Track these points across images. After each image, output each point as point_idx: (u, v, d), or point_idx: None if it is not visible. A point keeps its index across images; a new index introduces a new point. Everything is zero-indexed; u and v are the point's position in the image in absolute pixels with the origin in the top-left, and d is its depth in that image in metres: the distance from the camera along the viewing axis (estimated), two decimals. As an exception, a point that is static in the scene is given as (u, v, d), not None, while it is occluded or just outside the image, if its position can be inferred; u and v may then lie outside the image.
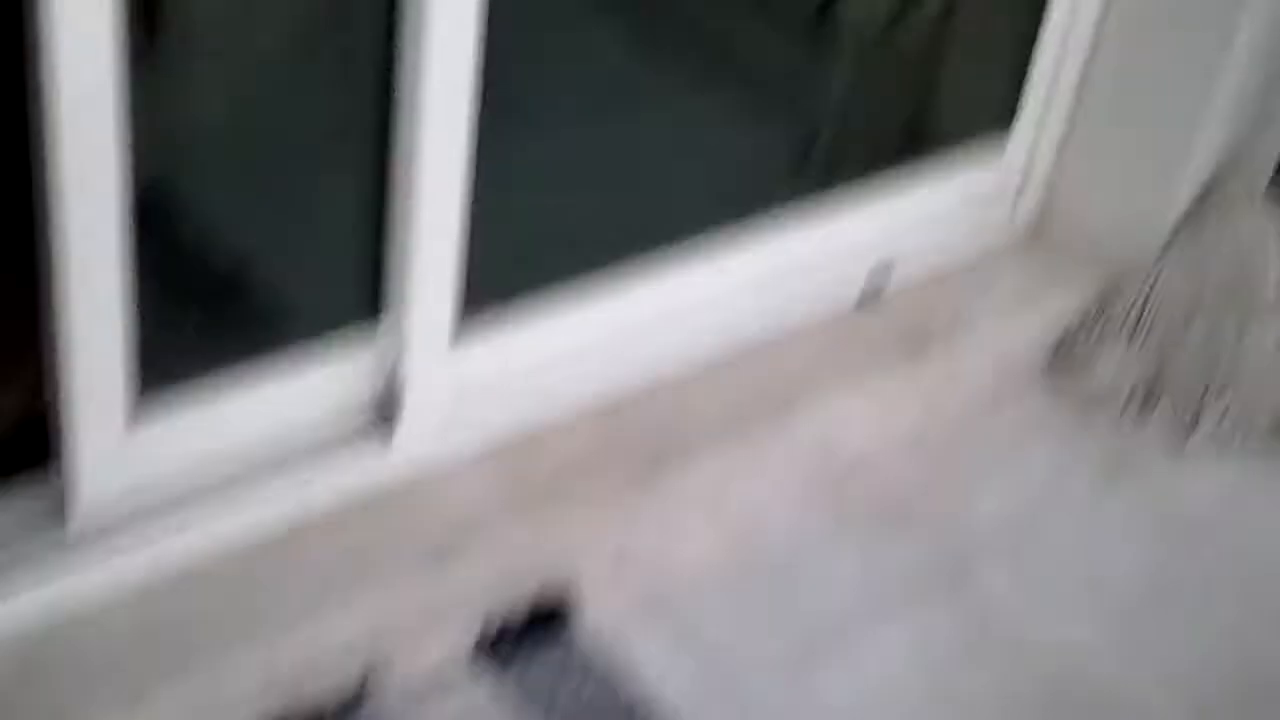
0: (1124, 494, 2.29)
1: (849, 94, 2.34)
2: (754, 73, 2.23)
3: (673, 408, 2.05)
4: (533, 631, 1.87)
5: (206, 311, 1.70)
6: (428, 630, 1.80)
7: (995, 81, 2.41)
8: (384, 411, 1.83)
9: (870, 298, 2.30)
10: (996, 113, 2.42)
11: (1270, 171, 2.42)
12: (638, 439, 2.00)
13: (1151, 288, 2.41)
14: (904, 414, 2.26)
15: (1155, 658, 2.03)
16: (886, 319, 2.29)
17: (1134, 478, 2.32)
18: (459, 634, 1.83)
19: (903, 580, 2.08)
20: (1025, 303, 2.41)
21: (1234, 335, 2.40)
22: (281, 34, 1.68)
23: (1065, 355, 2.44)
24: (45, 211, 1.47)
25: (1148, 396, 2.41)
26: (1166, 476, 2.34)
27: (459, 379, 1.87)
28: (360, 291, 1.78)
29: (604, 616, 1.93)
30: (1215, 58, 2.28)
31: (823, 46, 2.29)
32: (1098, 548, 2.20)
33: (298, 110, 1.71)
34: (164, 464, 1.67)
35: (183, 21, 1.58)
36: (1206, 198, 2.41)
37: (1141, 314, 2.41)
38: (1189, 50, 2.30)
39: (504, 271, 1.91)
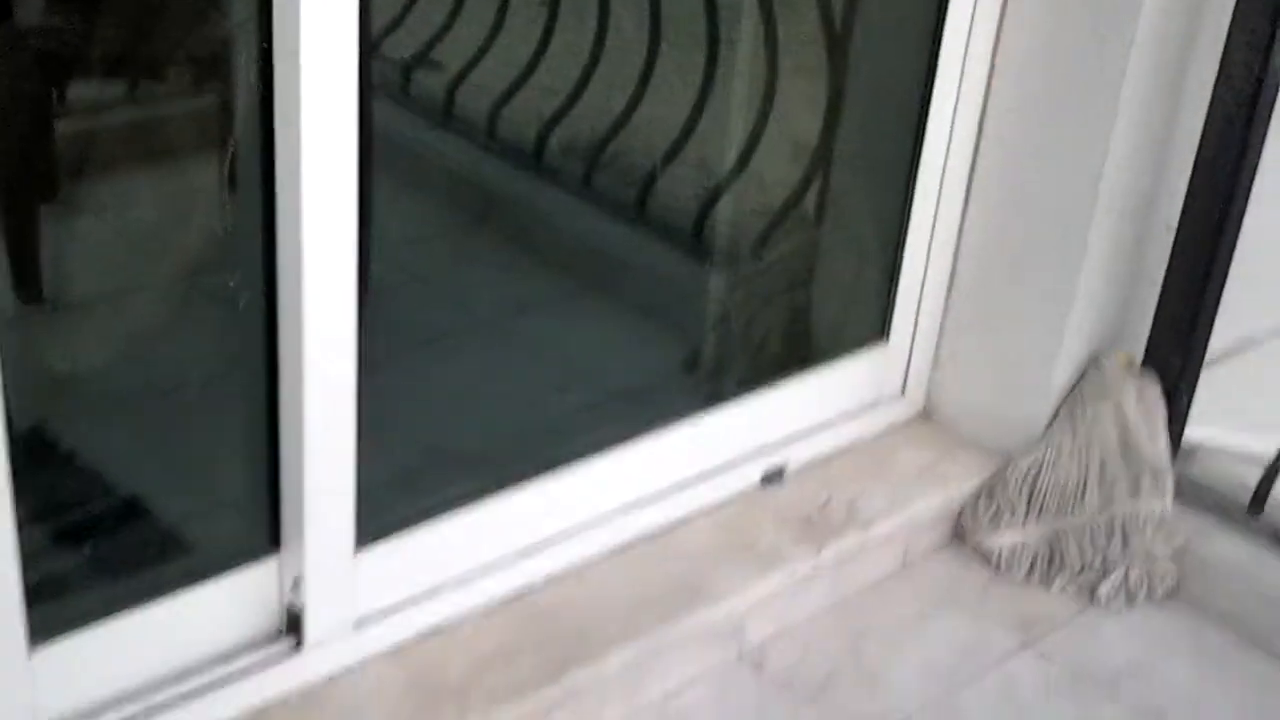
0: (1035, 655, 2.36)
1: (732, 304, 2.48)
2: (641, 286, 2.37)
3: (583, 598, 2.14)
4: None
5: (106, 547, 1.78)
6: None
7: (870, 281, 2.56)
8: (292, 624, 1.90)
9: (772, 480, 2.41)
10: (875, 309, 2.56)
11: (1144, 341, 2.55)
12: (549, 631, 2.07)
13: (1042, 461, 2.52)
14: (814, 590, 2.34)
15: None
16: (790, 500, 2.40)
17: (1044, 639, 2.39)
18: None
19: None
20: (923, 478, 2.51)
21: (1127, 498, 2.50)
22: (162, 284, 1.80)
23: (967, 526, 2.53)
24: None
25: (1051, 561, 2.50)
26: (1075, 636, 2.41)
27: (364, 584, 1.95)
28: (261, 511, 1.87)
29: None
30: (1077, 244, 2.43)
31: (703, 260, 2.44)
32: (1015, 707, 2.25)
33: (185, 354, 1.82)
34: (71, 691, 1.74)
35: (62, 284, 1.71)
36: (1087, 371, 2.54)
37: (1034, 486, 2.52)
38: (1053, 237, 2.45)
39: (405, 479, 2.01)
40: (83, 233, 1.73)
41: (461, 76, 2.28)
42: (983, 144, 2.50)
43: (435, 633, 2.03)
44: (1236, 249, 2.46)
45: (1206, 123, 2.39)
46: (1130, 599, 2.47)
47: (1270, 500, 2.48)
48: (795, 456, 2.46)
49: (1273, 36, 2.30)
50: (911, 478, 2.51)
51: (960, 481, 2.53)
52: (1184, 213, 2.44)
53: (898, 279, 2.53)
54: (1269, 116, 2.37)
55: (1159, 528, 2.49)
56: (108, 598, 1.76)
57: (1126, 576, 2.48)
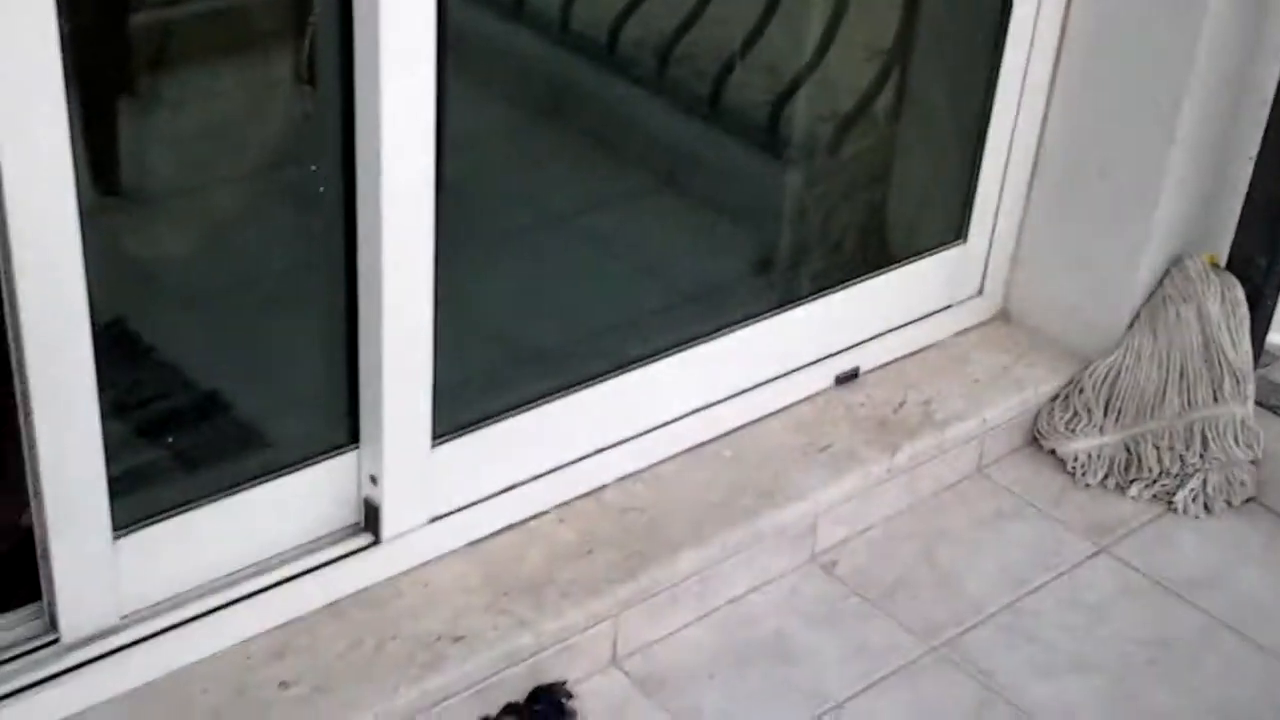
0: (1110, 560, 2.34)
1: (808, 202, 2.45)
2: (716, 184, 2.35)
3: (656, 498, 2.14)
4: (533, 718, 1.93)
5: (186, 439, 1.79)
6: (427, 725, 1.86)
7: (949, 179, 2.52)
8: (369, 518, 1.91)
9: (847, 381, 2.39)
10: (954, 208, 2.52)
11: (1229, 243, 2.50)
12: (622, 530, 2.08)
13: (1121, 364, 2.48)
14: (887, 493, 2.33)
15: (1152, 713, 2.08)
16: (865, 401, 2.39)
17: (1119, 545, 2.37)
18: (458, 728, 1.89)
19: (897, 655, 2.12)
20: (1000, 381, 2.49)
21: (1208, 403, 2.46)
22: (239, 176, 1.79)
23: (1043, 430, 2.51)
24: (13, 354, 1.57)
25: (1128, 466, 2.47)
26: (1151, 542, 2.39)
27: (440, 480, 1.96)
28: (339, 406, 1.88)
29: (601, 702, 1.98)
30: (1163, 143, 2.37)
31: (779, 158, 2.41)
32: (1089, 612, 2.24)
33: (263, 248, 1.82)
34: (154, 580, 1.76)
35: (140, 176, 1.70)
36: (1169, 272, 2.49)
37: (1114, 389, 2.48)
38: (1138, 136, 2.40)
39: (481, 376, 2.00)
40: (159, 125, 1.72)
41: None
42: (1067, 38, 2.44)
43: (510, 529, 2.04)
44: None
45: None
46: (1208, 505, 2.45)
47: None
48: (871, 358, 2.44)
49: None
50: (988, 380, 2.48)
51: (1037, 384, 2.50)
52: (1272, 113, 2.38)
53: (978, 177, 2.49)
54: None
55: (1239, 433, 2.46)
56: (189, 489, 1.78)
57: (1205, 483, 2.45)
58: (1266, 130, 2.39)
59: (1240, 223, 2.47)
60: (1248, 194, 2.45)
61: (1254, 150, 2.41)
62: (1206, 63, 2.32)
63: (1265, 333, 2.53)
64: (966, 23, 2.46)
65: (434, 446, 1.93)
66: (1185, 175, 2.42)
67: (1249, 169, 2.42)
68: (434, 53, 1.72)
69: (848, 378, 2.41)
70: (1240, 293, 2.48)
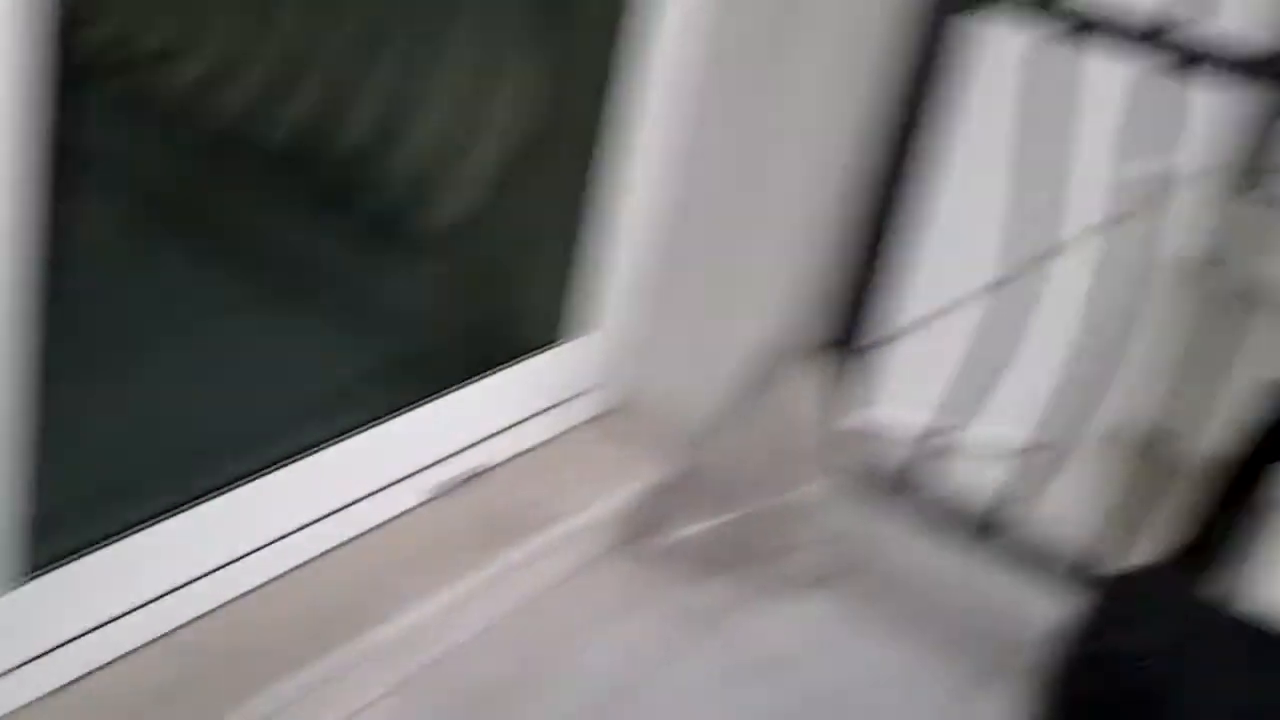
0: (710, 646, 2.45)
1: (421, 304, 2.46)
2: (324, 288, 2.34)
3: (249, 627, 2.12)
4: None
5: None
6: None
7: (563, 276, 2.57)
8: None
9: (454, 489, 2.43)
10: (567, 304, 2.58)
11: (827, 325, 2.61)
12: (210, 667, 2.04)
13: (724, 450, 2.60)
14: (491, 599, 2.38)
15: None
16: (470, 508, 2.42)
17: (719, 629, 2.49)
18: None
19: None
20: (612, 475, 2.57)
21: (803, 483, 2.59)
22: None
23: (650, 521, 2.60)
24: None
25: (730, 550, 2.59)
26: (750, 625, 2.51)
27: (20, 623, 1.90)
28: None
29: None
30: (757, 231, 2.51)
31: (390, 261, 2.41)
32: (690, 701, 2.35)
33: None
34: None
35: None
36: (771, 358, 2.61)
37: (717, 474, 2.59)
38: (736, 227, 2.53)
39: (65, 508, 1.94)
40: None
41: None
42: (678, 126, 2.52)
43: (101, 670, 1.99)
44: (927, 229, 2.55)
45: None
46: (805, 584, 2.58)
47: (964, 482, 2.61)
48: (482, 459, 2.49)
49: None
50: (600, 475, 2.56)
51: (647, 476, 2.59)
52: (859, 199, 2.52)
53: (591, 273, 2.55)
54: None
55: (834, 511, 2.60)
56: None
57: (804, 562, 2.58)
58: (856, 215, 2.52)
59: (836, 306, 2.61)
60: (841, 278, 2.58)
61: (844, 235, 2.54)
62: (794, 157, 2.46)
63: (859, 411, 2.66)
64: (579, 121, 2.50)
65: (15, 588, 1.89)
66: (780, 262, 2.55)
67: (841, 254, 2.55)
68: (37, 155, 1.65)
69: (459, 482, 2.45)
70: (835, 373, 2.62)
